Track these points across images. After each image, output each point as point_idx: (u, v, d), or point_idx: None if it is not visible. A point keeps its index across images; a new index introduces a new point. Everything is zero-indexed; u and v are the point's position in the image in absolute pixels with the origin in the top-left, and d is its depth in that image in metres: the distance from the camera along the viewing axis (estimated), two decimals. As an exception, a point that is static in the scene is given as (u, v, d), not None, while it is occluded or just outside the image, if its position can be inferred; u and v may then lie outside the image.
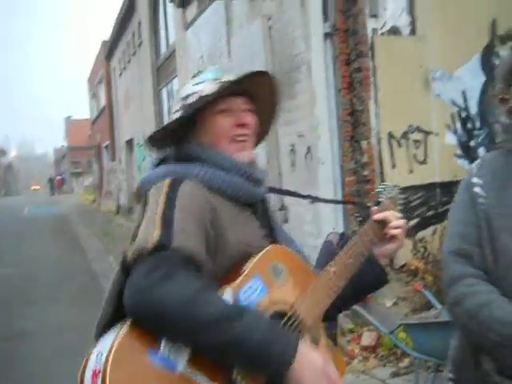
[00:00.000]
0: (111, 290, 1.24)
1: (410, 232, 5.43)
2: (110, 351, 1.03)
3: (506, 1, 6.14)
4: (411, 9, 5.67)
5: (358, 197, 5.43)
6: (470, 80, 6.03)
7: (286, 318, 1.26)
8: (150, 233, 1.17)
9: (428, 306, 4.24)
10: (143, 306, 1.08)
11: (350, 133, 5.37)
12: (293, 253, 1.38)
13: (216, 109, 1.39)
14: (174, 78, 12.05)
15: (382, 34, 5.54)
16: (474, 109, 6.09)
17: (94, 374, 1.04)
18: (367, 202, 1.51)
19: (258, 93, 1.45)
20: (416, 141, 5.70)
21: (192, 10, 9.77)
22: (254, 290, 1.22)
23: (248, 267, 1.24)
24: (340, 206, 5.47)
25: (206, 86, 1.40)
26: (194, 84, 1.43)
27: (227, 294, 1.18)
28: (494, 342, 1.29)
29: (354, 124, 5.38)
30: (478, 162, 1.55)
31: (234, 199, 1.36)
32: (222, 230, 1.28)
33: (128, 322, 1.10)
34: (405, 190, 5.44)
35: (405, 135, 5.62)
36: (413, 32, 5.70)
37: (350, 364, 4.54)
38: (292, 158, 6.24)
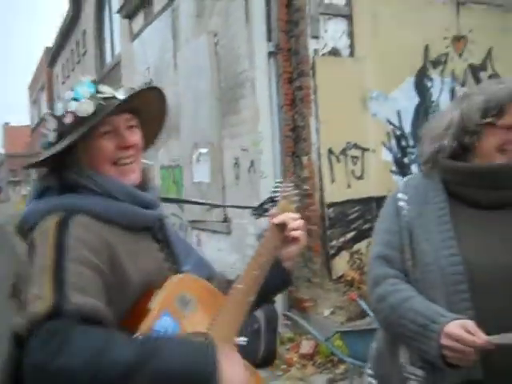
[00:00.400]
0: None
1: (346, 245, 5.69)
2: None
3: (438, 29, 6.57)
4: (350, 32, 5.98)
5: (298, 210, 5.62)
6: (404, 101, 6.40)
7: None
8: (40, 296, 1.05)
9: (363, 315, 4.46)
10: (48, 377, 0.98)
11: (291, 148, 5.58)
12: (197, 278, 1.32)
13: (97, 131, 1.28)
14: (119, 88, 12.01)
15: (323, 54, 5.81)
16: (407, 128, 6.45)
17: None
18: (264, 201, 1.41)
19: (142, 106, 1.37)
20: (354, 157, 5.99)
21: (138, 21, 9.81)
22: (165, 330, 1.15)
23: (155, 304, 1.17)
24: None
25: (81, 105, 1.28)
26: (68, 100, 1.30)
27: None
28: (411, 331, 1.45)
29: (295, 139, 5.59)
30: (404, 180, 1.76)
31: (129, 228, 1.27)
32: (121, 267, 1.20)
33: None
34: (343, 204, 5.68)
35: (343, 151, 5.89)
36: (352, 54, 6.02)
37: (289, 372, 4.70)
38: (236, 171, 6.38)
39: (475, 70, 7.02)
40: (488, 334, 1.32)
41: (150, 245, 1.34)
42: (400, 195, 1.66)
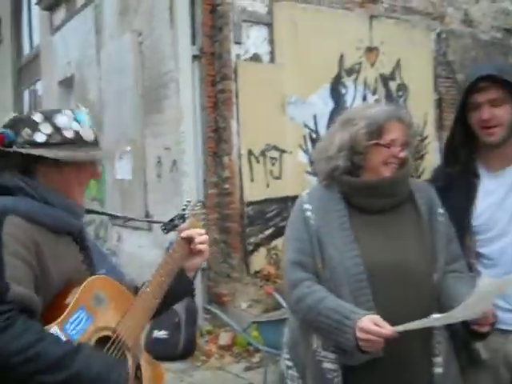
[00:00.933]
0: None
1: (264, 241, 5.99)
2: None
3: (352, 39, 7.02)
4: (271, 39, 6.28)
5: (219, 208, 5.87)
6: (320, 106, 6.79)
7: (110, 343, 1.36)
8: None
9: (278, 307, 4.77)
10: None
11: (213, 148, 5.80)
12: (111, 280, 1.48)
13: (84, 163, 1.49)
14: (37, 80, 11.67)
15: (245, 59, 6.07)
16: (322, 131, 6.84)
17: None
18: (174, 217, 1.60)
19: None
20: (272, 158, 6.30)
21: (60, 14, 9.63)
22: (79, 321, 1.30)
23: (72, 300, 1.33)
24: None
25: (86, 129, 1.47)
26: (73, 120, 1.46)
27: (54, 330, 1.25)
28: (328, 327, 1.68)
29: (217, 140, 5.82)
30: (306, 191, 1.98)
31: (55, 231, 1.41)
32: (45, 265, 1.33)
33: None
34: (261, 202, 5.97)
35: (263, 153, 6.19)
36: (272, 60, 6.32)
37: (208, 362, 4.93)
38: (158, 169, 6.51)
39: (385, 79, 7.55)
40: (392, 324, 1.58)
41: (71, 248, 1.49)
42: (306, 206, 1.88)
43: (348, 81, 7.11)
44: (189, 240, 1.59)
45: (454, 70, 8.49)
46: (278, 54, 6.36)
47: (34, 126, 1.42)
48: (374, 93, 7.43)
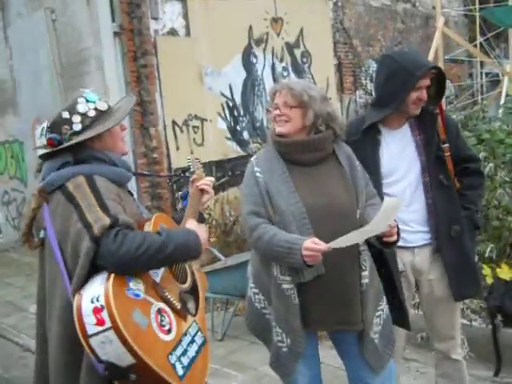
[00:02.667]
0: (83, 262, 1.62)
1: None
2: (107, 293, 1.53)
3: (259, 11, 7.51)
4: (185, 13, 6.62)
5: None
6: (234, 75, 7.28)
7: None
8: (99, 218, 1.63)
9: (214, 261, 5.28)
10: (122, 259, 1.59)
11: (140, 121, 6.12)
12: (165, 216, 1.98)
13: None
14: None
15: (163, 34, 6.39)
16: (238, 99, 7.36)
17: (97, 310, 1.52)
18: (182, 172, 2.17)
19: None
20: (195, 127, 6.74)
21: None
22: None
23: (149, 228, 1.79)
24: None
25: (99, 103, 1.86)
26: (86, 102, 1.84)
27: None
28: (282, 253, 2.14)
29: (143, 113, 6.14)
30: (254, 157, 2.43)
31: (119, 184, 1.85)
32: (124, 208, 1.76)
33: (107, 275, 1.59)
34: (185, 168, 6.38)
35: (185, 122, 6.60)
36: (188, 34, 6.67)
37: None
38: (84, 144, 6.72)
39: (290, 48, 8.15)
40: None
41: (129, 197, 1.93)
42: (256, 168, 2.35)
43: (257, 50, 7.63)
44: (199, 185, 2.09)
45: (350, 36, 9.28)
46: (192, 27, 6.73)
47: (68, 121, 1.83)
48: (281, 60, 8.01)
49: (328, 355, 3.57)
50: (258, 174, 2.32)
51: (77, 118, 1.83)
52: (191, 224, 1.93)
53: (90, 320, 1.54)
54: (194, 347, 1.77)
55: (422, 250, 2.53)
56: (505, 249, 4.13)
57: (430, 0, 10.80)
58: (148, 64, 6.11)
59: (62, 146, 1.82)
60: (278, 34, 7.93)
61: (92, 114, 1.84)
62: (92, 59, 6.27)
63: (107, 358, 1.54)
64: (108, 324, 1.52)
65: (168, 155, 6.43)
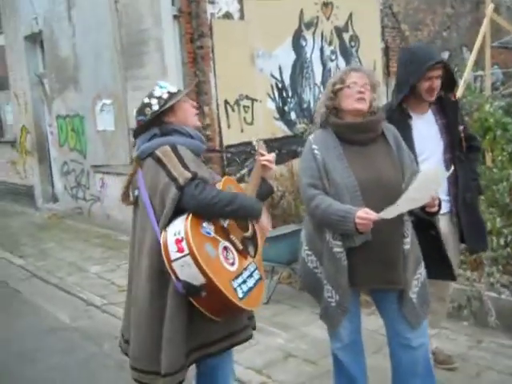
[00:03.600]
0: (170, 205, 2.10)
1: (241, 180, 6.82)
2: (186, 228, 2.02)
3: (310, -5, 7.73)
4: (240, -3, 6.94)
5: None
6: (284, 58, 7.57)
7: None
8: (183, 172, 2.11)
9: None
10: (200, 203, 2.07)
11: (195, 100, 6.51)
12: (233, 179, 2.46)
13: (182, 100, 2.39)
14: (-1, 33, 11.73)
15: (218, 18, 6.73)
16: (287, 81, 7.66)
17: (178, 241, 1.99)
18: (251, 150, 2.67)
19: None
20: (245, 106, 7.09)
21: (21, -31, 9.77)
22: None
23: (220, 186, 2.27)
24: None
25: (169, 87, 2.39)
26: (160, 88, 2.37)
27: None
28: (337, 220, 2.46)
29: (198, 93, 6.53)
30: (312, 136, 2.73)
31: (196, 153, 2.32)
32: (200, 169, 2.25)
33: (188, 215, 2.06)
34: (237, 146, 6.83)
35: (237, 102, 6.96)
36: (242, 17, 6.99)
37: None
38: (142, 120, 7.16)
39: (339, 31, 8.36)
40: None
41: (202, 163, 2.39)
42: (314, 146, 2.65)
43: (307, 34, 7.87)
44: (263, 162, 2.48)
45: (399, 21, 9.39)
46: (246, 11, 7.03)
47: (148, 104, 2.35)
48: (330, 44, 8.24)
49: (365, 320, 3.94)
50: (315, 152, 2.63)
51: (154, 101, 2.35)
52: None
53: (172, 248, 2.01)
54: (252, 280, 2.22)
55: (443, 218, 2.95)
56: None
57: (482, -15, 10.73)
58: (204, 46, 6.47)
59: (145, 121, 2.32)
60: (328, 18, 8.15)
61: (165, 96, 2.35)
62: (151, 40, 6.67)
63: (185, 277, 2.00)
64: (186, 251, 1.99)
65: (220, 133, 6.81)
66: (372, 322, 3.75)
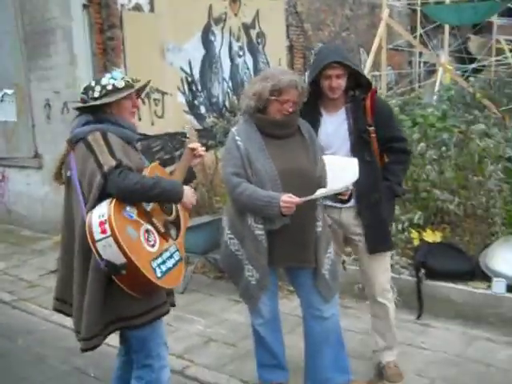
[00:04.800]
0: (95, 190, 2.22)
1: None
2: (109, 211, 2.15)
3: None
4: (150, -11, 6.94)
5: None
6: (194, 52, 7.67)
7: None
8: (108, 160, 2.22)
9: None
10: (123, 189, 2.19)
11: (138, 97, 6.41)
12: (159, 166, 2.55)
13: (125, 97, 2.44)
14: None
15: (129, 9, 6.68)
16: (196, 75, 7.77)
17: (101, 223, 2.13)
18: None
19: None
20: (156, 99, 7.11)
21: None
22: None
23: (146, 173, 2.38)
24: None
25: (118, 82, 2.42)
26: (110, 78, 2.42)
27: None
28: (261, 206, 2.66)
29: (108, 84, 6.44)
30: (235, 128, 2.93)
31: (126, 141, 2.41)
32: (128, 157, 2.32)
33: (112, 200, 2.19)
34: (148, 138, 6.86)
35: (148, 95, 6.95)
36: (152, 10, 6.99)
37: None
38: (47, 111, 6.95)
39: (247, 28, 8.59)
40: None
41: (133, 151, 2.46)
42: (237, 137, 2.84)
43: (216, 29, 8.02)
44: (193, 149, 2.62)
45: (302, 20, 9.80)
46: (156, 4, 7.04)
47: (92, 88, 2.43)
48: (238, 40, 8.44)
49: (281, 304, 4.19)
50: (239, 143, 2.82)
51: (98, 88, 2.43)
52: (185, 188, 2.48)
53: (96, 230, 2.15)
54: (172, 261, 2.38)
55: (347, 210, 3.10)
56: (430, 216, 4.84)
57: (377, -10, 11.46)
58: (114, 37, 6.41)
59: (85, 105, 2.44)
60: (236, 14, 8.34)
61: (110, 87, 2.42)
62: (58, 29, 6.49)
63: (107, 257, 2.15)
64: (109, 233, 2.13)
65: (131, 125, 6.77)
66: (285, 305, 3.99)
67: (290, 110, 2.79)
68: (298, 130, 2.92)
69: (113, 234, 2.12)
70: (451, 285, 4.08)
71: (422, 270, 4.14)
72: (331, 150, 3.07)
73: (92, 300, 2.27)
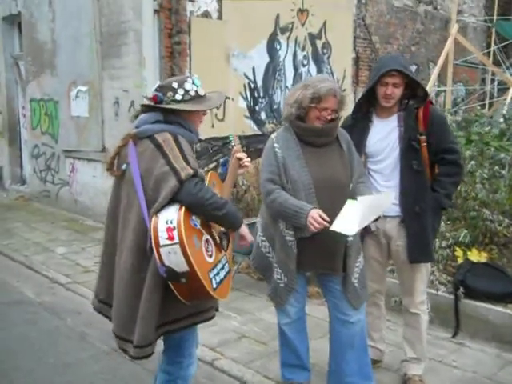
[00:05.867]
0: (167, 194, 2.16)
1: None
2: (179, 218, 2.11)
3: (286, 1, 8.05)
4: (219, -2, 7.21)
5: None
6: (258, 59, 7.86)
7: None
8: (185, 168, 2.17)
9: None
10: (195, 200, 2.16)
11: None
12: (215, 173, 2.56)
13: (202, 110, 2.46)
14: None
15: (197, 16, 6.97)
16: (259, 82, 7.96)
17: (169, 229, 2.08)
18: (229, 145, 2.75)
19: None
20: (218, 103, 7.34)
21: (3, -50, 9.79)
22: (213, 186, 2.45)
23: (206, 180, 2.37)
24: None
25: (200, 89, 2.41)
26: (192, 84, 2.39)
27: None
28: (291, 214, 2.73)
29: (172, 86, 6.75)
30: (274, 134, 3.01)
31: (191, 143, 2.37)
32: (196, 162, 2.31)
33: (181, 207, 2.15)
34: (207, 140, 7.12)
35: (213, 93, 7.19)
36: (219, 17, 7.25)
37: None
38: (116, 109, 7.35)
39: (313, 38, 8.70)
40: (326, 212, 2.68)
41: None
42: (275, 145, 2.92)
43: (282, 38, 8.19)
44: (239, 159, 2.59)
45: (370, 33, 9.80)
46: (224, 11, 7.30)
47: (175, 90, 2.37)
48: (303, 49, 8.57)
49: (314, 309, 4.25)
50: (276, 150, 2.91)
51: (181, 91, 2.38)
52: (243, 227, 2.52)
53: (163, 235, 2.12)
54: (223, 272, 2.37)
55: (392, 220, 3.12)
56: (478, 236, 4.76)
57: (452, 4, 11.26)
58: (181, 42, 6.71)
59: (161, 105, 2.37)
60: (303, 25, 8.47)
61: (192, 93, 2.40)
62: (131, 32, 6.86)
63: (169, 263, 2.12)
64: (176, 240, 2.10)
65: (191, 127, 7.04)
66: (321, 312, 4.06)
67: (329, 117, 2.85)
68: (337, 139, 2.97)
69: (181, 243, 2.09)
70: (490, 306, 4.00)
71: (461, 289, 4.09)
72: (379, 156, 3.11)
73: (151, 306, 2.23)
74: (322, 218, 2.66)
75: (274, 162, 2.89)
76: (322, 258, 2.90)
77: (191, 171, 2.19)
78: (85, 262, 6.02)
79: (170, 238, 2.10)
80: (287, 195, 2.81)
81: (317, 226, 2.66)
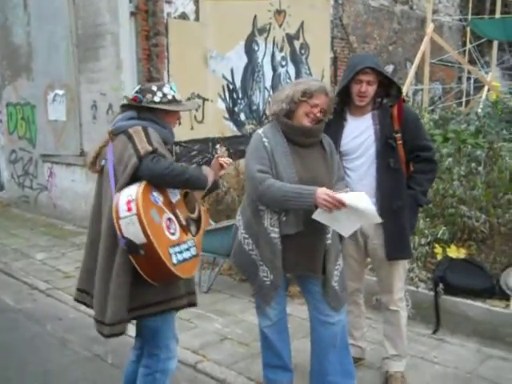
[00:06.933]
0: (129, 171, 2.33)
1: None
2: (137, 192, 2.25)
3: (264, 2, 8.06)
4: (196, 0, 7.18)
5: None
6: (236, 60, 7.87)
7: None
8: (145, 146, 2.35)
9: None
10: (154, 173, 2.31)
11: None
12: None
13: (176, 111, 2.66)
14: None
15: (175, 17, 6.95)
16: (238, 83, 7.96)
17: (128, 202, 2.23)
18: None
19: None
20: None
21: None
22: None
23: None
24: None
25: (177, 94, 2.60)
26: (170, 89, 2.59)
27: None
28: (293, 197, 2.69)
29: (151, 89, 6.72)
30: (261, 130, 2.99)
31: (164, 142, 2.54)
32: (164, 150, 2.49)
33: (142, 183, 2.30)
34: (187, 142, 7.09)
35: (188, 100, 7.18)
36: (197, 19, 7.24)
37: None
38: (93, 112, 7.29)
39: (291, 39, 8.73)
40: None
41: (168, 152, 2.56)
42: (264, 139, 2.91)
43: (260, 39, 8.21)
44: (221, 164, 2.76)
45: (348, 33, 9.87)
46: (201, 13, 7.29)
47: (154, 92, 2.55)
48: (281, 50, 8.60)
49: (296, 309, 4.26)
50: (266, 144, 2.88)
51: (159, 94, 2.57)
52: (206, 169, 2.59)
53: (122, 207, 2.26)
54: (188, 253, 2.45)
55: None
56: (456, 233, 4.82)
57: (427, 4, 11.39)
58: (159, 44, 6.69)
59: (142, 104, 2.55)
60: (280, 25, 8.50)
61: (170, 97, 2.59)
62: (107, 34, 6.82)
63: (128, 235, 2.24)
64: (134, 211, 2.24)
65: (170, 129, 7.02)
66: (303, 312, 4.06)
67: (318, 115, 2.85)
68: (320, 142, 2.99)
69: (137, 213, 2.22)
70: (469, 301, 4.05)
71: (440, 285, 4.13)
72: (354, 154, 3.12)
73: (121, 282, 2.35)
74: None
75: (264, 155, 2.86)
76: (302, 259, 2.89)
77: (150, 148, 2.34)
78: (65, 267, 5.96)
79: (129, 209, 2.24)
80: (282, 182, 2.78)
81: (332, 202, 2.63)
